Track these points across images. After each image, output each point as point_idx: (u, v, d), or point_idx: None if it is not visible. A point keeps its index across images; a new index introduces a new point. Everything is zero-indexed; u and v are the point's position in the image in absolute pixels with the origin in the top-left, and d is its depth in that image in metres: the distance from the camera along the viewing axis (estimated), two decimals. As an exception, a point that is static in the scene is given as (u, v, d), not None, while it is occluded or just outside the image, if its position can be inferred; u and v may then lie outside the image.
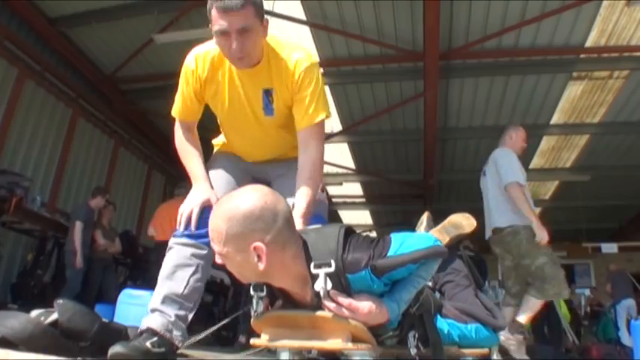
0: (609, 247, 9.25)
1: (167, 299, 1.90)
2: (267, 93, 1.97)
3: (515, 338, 3.68)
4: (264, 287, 1.55)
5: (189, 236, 1.96)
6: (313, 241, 1.48)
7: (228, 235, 1.38)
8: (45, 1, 6.03)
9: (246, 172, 2.20)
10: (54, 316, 1.94)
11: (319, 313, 1.46)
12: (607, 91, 6.99)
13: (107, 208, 6.35)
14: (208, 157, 2.25)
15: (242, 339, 5.12)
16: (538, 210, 11.57)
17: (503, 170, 3.84)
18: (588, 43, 6.11)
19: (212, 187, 2.04)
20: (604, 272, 8.68)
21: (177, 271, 1.94)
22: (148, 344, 1.79)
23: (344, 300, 1.43)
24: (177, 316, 1.89)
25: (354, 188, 10.89)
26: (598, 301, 8.75)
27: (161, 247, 5.64)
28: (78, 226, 5.58)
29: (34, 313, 1.99)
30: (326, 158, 9.61)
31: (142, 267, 6.87)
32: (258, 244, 1.37)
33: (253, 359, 2.50)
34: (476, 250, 2.42)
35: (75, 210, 5.95)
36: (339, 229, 1.50)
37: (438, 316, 1.96)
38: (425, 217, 2.39)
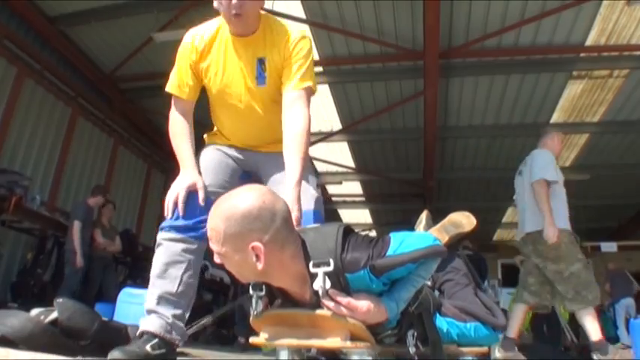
0: (609, 246, 9.25)
1: (162, 300, 1.88)
2: (261, 62, 2.02)
3: (612, 354, 3.49)
4: (263, 286, 1.55)
5: (177, 230, 1.93)
6: (312, 240, 1.48)
7: (227, 234, 1.38)
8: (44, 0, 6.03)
9: (236, 165, 2.16)
10: (54, 315, 1.94)
11: (318, 311, 1.46)
12: (607, 90, 6.99)
13: (107, 207, 6.35)
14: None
15: (241, 340, 5.13)
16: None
17: (536, 168, 3.82)
18: (588, 42, 6.11)
19: (200, 174, 2.02)
20: (603, 271, 8.68)
21: (169, 269, 1.91)
22: (147, 347, 1.78)
23: (343, 299, 1.43)
24: (174, 316, 1.88)
25: (353, 187, 10.89)
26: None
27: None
28: (76, 225, 5.58)
29: (34, 311, 1.99)
30: (325, 157, 9.66)
31: (142, 266, 6.88)
32: (257, 243, 1.37)
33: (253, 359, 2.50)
34: (475, 249, 2.43)
35: (73, 209, 5.95)
36: (337, 228, 1.50)
37: (437, 315, 1.96)
38: (424, 216, 2.39)
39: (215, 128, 2.27)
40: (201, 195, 1.95)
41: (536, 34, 5.97)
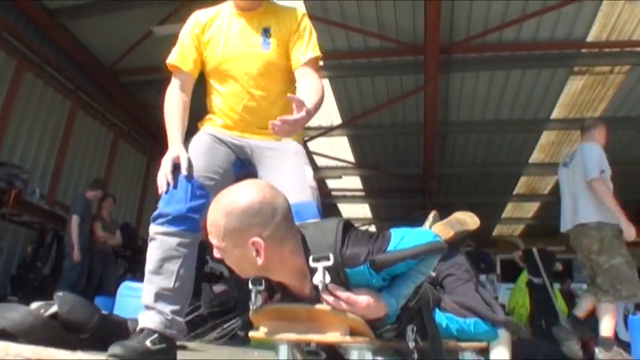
0: (607, 242, 9.19)
1: (159, 296, 1.88)
2: (266, 30, 2.12)
3: (613, 355, 3.61)
4: (263, 281, 1.55)
5: (169, 223, 1.92)
6: (311, 235, 1.48)
7: (227, 229, 1.38)
8: (44, -8, 6.01)
9: (229, 151, 2.12)
10: (54, 309, 1.95)
11: (318, 306, 1.46)
12: (608, 86, 6.98)
13: (107, 201, 6.35)
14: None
15: (241, 333, 5.13)
16: (537, 204, 11.59)
17: (590, 164, 3.80)
18: (589, 38, 6.10)
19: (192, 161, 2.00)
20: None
21: (165, 264, 1.90)
22: (147, 343, 1.78)
23: (342, 293, 1.44)
24: (173, 312, 1.88)
25: (353, 182, 10.90)
26: (596, 296, 8.75)
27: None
28: (74, 219, 5.58)
29: (34, 305, 2.00)
30: (325, 151, 9.63)
31: (142, 259, 6.86)
32: (257, 239, 1.37)
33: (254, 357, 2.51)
34: (475, 245, 2.45)
35: (72, 203, 5.95)
36: (337, 223, 1.49)
37: (437, 310, 1.96)
38: (431, 215, 2.40)
39: (209, 115, 2.23)
40: (183, 164, 1.96)
41: (537, 29, 5.95)
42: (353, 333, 1.46)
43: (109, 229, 6.23)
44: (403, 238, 1.51)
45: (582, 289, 9.57)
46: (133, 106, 8.23)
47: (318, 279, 1.42)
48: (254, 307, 1.56)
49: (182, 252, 1.92)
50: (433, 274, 2.09)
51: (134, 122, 8.56)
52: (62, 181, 6.99)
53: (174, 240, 1.91)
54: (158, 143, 8.93)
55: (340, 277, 1.44)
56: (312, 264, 1.44)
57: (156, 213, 1.97)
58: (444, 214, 2.39)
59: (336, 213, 11.84)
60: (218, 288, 6.34)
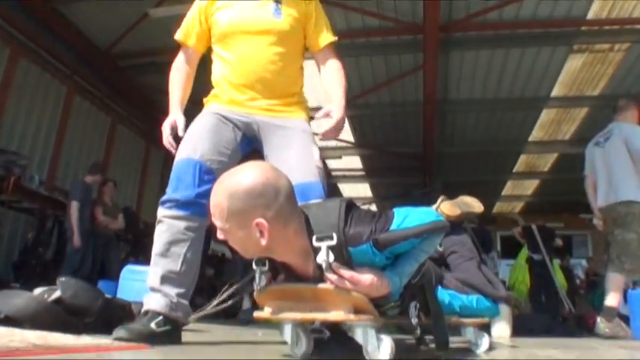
0: (609, 219, 9.23)
1: (165, 278, 1.89)
2: (277, 2, 2.14)
3: (613, 326, 3.76)
4: (267, 262, 1.56)
5: (178, 207, 1.93)
6: (315, 214, 1.48)
7: (230, 211, 1.38)
8: (37, -25, 5.92)
9: (236, 129, 2.11)
10: (57, 294, 1.95)
11: (321, 285, 1.47)
12: (607, 63, 6.93)
13: (107, 185, 6.34)
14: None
15: (246, 304, 5.13)
16: (537, 182, 11.61)
17: (638, 142, 3.92)
18: (589, 16, 6.03)
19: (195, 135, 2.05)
20: (601, 243, 8.76)
21: (172, 247, 1.91)
22: (152, 325, 1.80)
23: (346, 272, 1.44)
24: (178, 294, 1.90)
25: (353, 161, 10.88)
26: (594, 271, 8.84)
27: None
28: (74, 205, 5.58)
29: (37, 291, 2.01)
30: (325, 133, 9.62)
31: (144, 242, 6.90)
32: (261, 220, 1.38)
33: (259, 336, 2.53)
34: (478, 222, 2.50)
35: (71, 188, 5.94)
36: (340, 203, 1.50)
37: (439, 287, 1.98)
38: (440, 199, 2.45)
39: (214, 90, 2.20)
40: (180, 125, 2.07)
41: (537, 7, 5.88)
42: (357, 311, 1.47)
43: (111, 213, 6.23)
44: (406, 218, 1.51)
45: (581, 264, 9.69)
46: (130, 89, 8.16)
47: (321, 258, 1.43)
48: (258, 288, 1.57)
49: (189, 235, 1.93)
50: (440, 249, 2.14)
51: (132, 106, 8.51)
52: (61, 167, 6.97)
53: (182, 224, 1.92)
54: (157, 127, 8.90)
55: (344, 256, 1.45)
56: (315, 243, 1.44)
57: (164, 198, 1.98)
58: (445, 192, 2.45)
59: (337, 193, 11.84)
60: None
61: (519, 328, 3.76)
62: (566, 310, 6.46)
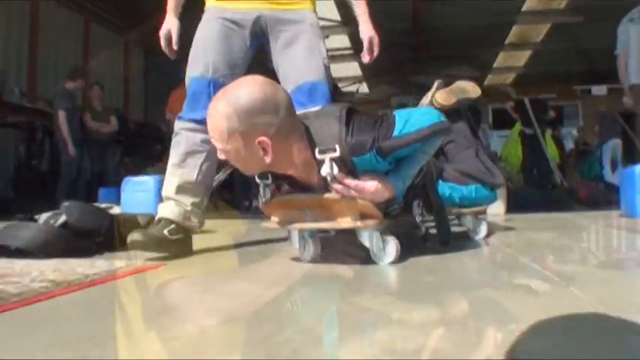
0: (599, 90, 9.21)
1: (181, 188, 1.91)
2: None
3: None
4: (269, 174, 1.55)
5: (196, 121, 1.92)
6: (315, 125, 1.45)
7: (231, 132, 1.35)
8: None
9: (244, 33, 2.02)
10: (62, 218, 1.96)
11: (327, 195, 1.48)
12: None
13: (94, 89, 6.12)
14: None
15: (245, 203, 5.18)
16: (529, 53, 11.35)
17: None
18: None
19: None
20: (592, 113, 8.80)
21: (188, 158, 1.93)
22: (165, 232, 1.84)
23: (351, 182, 1.45)
24: (193, 204, 1.92)
25: (341, 41, 10.52)
26: (584, 141, 8.99)
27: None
28: (61, 115, 5.44)
29: (42, 217, 2.01)
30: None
31: (136, 143, 6.85)
32: (263, 138, 1.35)
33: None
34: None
35: (54, 98, 5.75)
36: (340, 111, 1.46)
37: (440, 181, 2.01)
38: (436, 84, 2.38)
39: None
40: (174, 36, 2.01)
41: None
42: (363, 216, 1.50)
43: (101, 117, 6.05)
44: (407, 121, 1.48)
45: (572, 134, 9.81)
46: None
47: (325, 171, 1.42)
48: (263, 200, 1.58)
49: (206, 148, 1.92)
50: None
51: (105, 2, 7.94)
52: (39, 75, 6.70)
53: (199, 136, 1.91)
54: (135, 22, 8.41)
55: (347, 165, 1.44)
56: (318, 156, 1.43)
57: (181, 114, 1.97)
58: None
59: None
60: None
61: (513, 205, 3.88)
62: (558, 182, 6.66)
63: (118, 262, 1.67)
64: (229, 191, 6.57)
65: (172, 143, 1.98)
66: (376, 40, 2.12)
